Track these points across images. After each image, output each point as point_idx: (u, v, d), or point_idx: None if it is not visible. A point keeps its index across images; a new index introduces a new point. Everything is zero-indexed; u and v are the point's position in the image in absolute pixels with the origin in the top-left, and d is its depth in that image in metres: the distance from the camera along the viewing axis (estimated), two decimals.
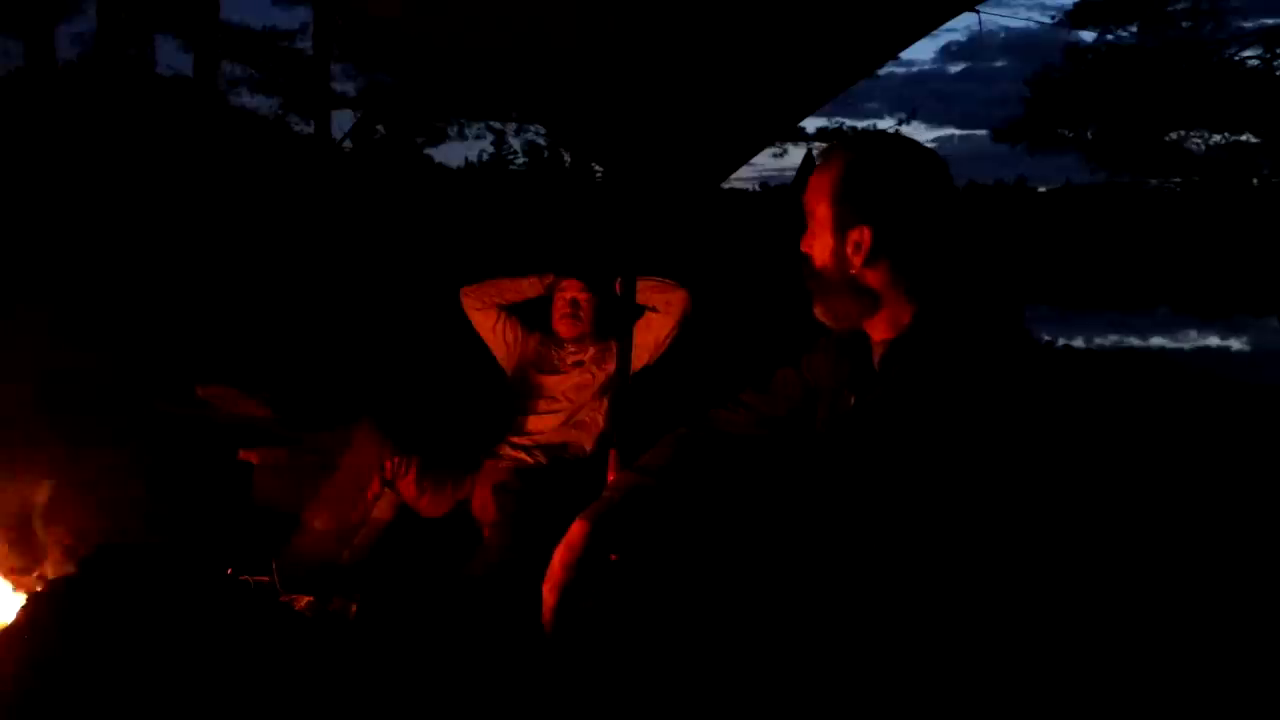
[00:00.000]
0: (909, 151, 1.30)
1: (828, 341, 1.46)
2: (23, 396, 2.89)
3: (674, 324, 2.85)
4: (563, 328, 2.98)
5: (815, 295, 1.37)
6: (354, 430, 2.78)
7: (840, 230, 1.30)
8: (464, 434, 3.05)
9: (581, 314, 2.96)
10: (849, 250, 1.29)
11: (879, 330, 1.33)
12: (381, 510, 2.71)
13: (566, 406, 2.89)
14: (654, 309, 2.87)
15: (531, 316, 3.08)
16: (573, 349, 2.98)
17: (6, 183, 6.72)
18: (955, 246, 1.30)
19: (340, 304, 6.60)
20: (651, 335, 2.84)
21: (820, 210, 1.33)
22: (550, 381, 2.94)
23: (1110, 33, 17.02)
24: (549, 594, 1.34)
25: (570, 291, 2.97)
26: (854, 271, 1.30)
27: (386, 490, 2.70)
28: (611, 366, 2.87)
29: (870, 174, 1.29)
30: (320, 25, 15.44)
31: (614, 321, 2.92)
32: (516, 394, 2.97)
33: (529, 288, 3.05)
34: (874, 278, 1.30)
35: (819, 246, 1.34)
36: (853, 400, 1.35)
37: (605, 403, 2.88)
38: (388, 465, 2.68)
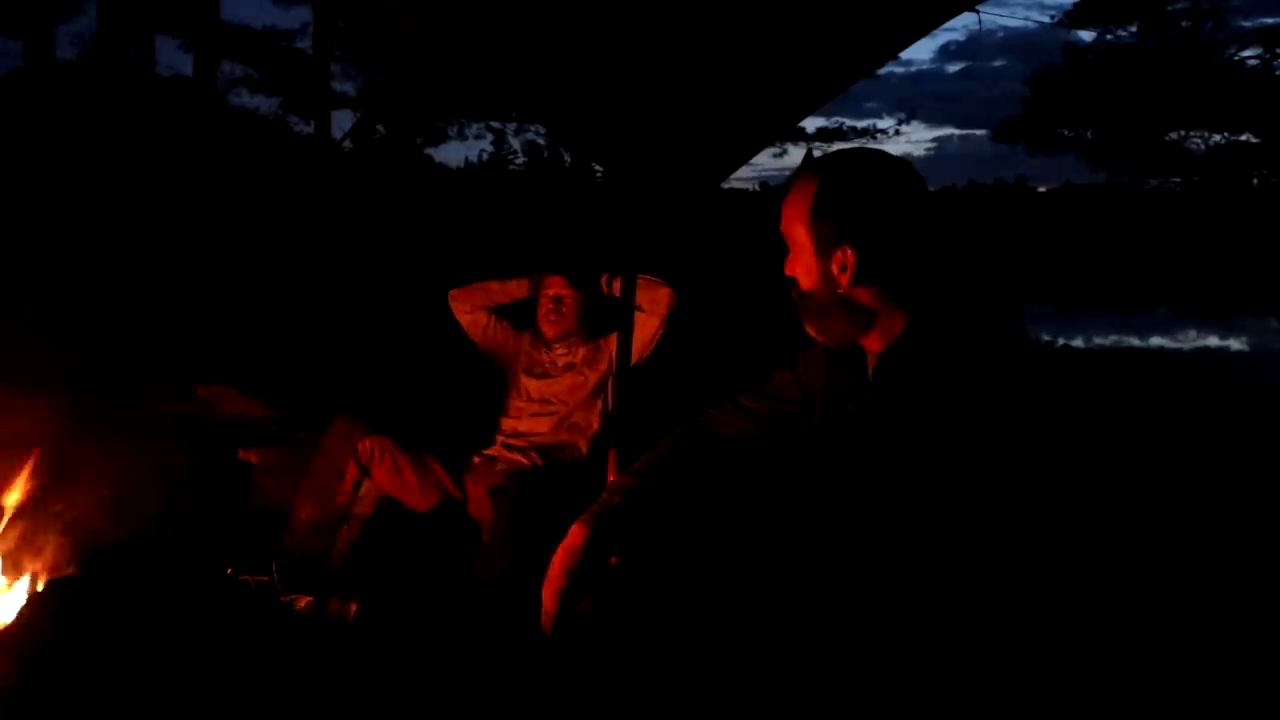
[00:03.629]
0: (880, 164, 1.29)
1: (824, 348, 1.46)
2: (22, 397, 2.88)
3: (659, 322, 2.79)
4: (546, 325, 2.93)
5: (806, 316, 1.36)
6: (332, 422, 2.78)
7: (823, 252, 1.29)
8: (453, 429, 3.04)
9: (564, 310, 2.90)
10: (835, 270, 1.28)
11: (873, 343, 1.33)
12: (364, 506, 2.71)
13: (560, 409, 2.87)
14: (639, 307, 2.76)
15: (523, 320, 3.06)
16: (562, 351, 2.94)
17: (6, 183, 6.73)
18: (941, 252, 1.30)
19: (340, 304, 6.59)
20: (637, 334, 2.74)
21: (799, 234, 1.31)
22: (542, 385, 2.92)
23: (1110, 33, 17.07)
24: (548, 597, 1.34)
25: (553, 288, 2.92)
26: (843, 291, 1.29)
27: (367, 481, 2.70)
28: (603, 367, 2.86)
29: (845, 192, 1.28)
30: (320, 25, 15.43)
31: (602, 320, 2.90)
32: (509, 397, 2.96)
33: (517, 289, 3.01)
34: (864, 295, 1.29)
35: (803, 270, 1.32)
36: (850, 410, 1.35)
37: (599, 404, 2.87)
38: (360, 447, 2.66)
